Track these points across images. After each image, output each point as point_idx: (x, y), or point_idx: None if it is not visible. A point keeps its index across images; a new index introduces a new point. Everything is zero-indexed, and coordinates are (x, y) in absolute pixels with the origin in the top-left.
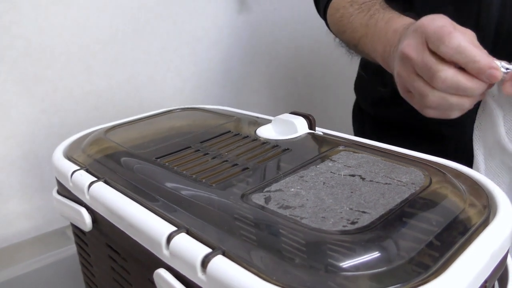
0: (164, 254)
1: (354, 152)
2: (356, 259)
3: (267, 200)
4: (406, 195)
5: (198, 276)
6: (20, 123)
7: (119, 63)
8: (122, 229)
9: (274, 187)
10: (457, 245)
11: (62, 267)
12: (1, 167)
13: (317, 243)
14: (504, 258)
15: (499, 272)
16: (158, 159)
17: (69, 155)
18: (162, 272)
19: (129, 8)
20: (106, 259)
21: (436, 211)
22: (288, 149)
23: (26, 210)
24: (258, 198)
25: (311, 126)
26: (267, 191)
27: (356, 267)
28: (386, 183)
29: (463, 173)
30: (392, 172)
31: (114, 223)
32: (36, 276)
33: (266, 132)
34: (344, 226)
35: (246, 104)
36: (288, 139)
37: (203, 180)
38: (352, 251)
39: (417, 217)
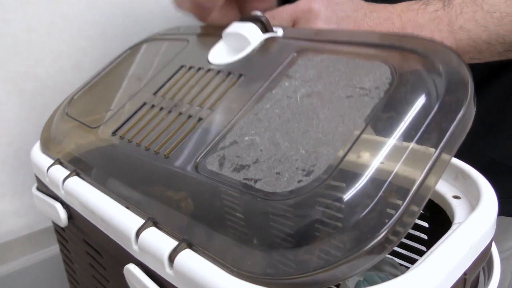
0: (133, 249)
1: (312, 56)
2: (312, 229)
3: (221, 162)
4: (369, 110)
5: (166, 271)
6: (11, 121)
7: (109, 60)
8: (95, 224)
9: (228, 138)
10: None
11: (53, 264)
12: None
13: (271, 216)
14: (487, 248)
15: (481, 263)
16: (115, 133)
17: (43, 147)
18: (131, 267)
19: (119, 3)
20: (84, 256)
21: (408, 122)
22: (241, 75)
23: (18, 208)
24: (212, 163)
25: (265, 28)
26: (221, 148)
27: (313, 238)
28: (347, 96)
29: (436, 45)
30: (354, 76)
31: (87, 218)
32: (28, 274)
33: (218, 55)
34: (299, 182)
35: None
36: (242, 58)
37: (160, 152)
38: (304, 220)
39: (382, 146)
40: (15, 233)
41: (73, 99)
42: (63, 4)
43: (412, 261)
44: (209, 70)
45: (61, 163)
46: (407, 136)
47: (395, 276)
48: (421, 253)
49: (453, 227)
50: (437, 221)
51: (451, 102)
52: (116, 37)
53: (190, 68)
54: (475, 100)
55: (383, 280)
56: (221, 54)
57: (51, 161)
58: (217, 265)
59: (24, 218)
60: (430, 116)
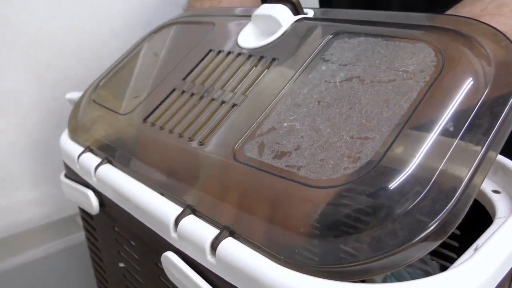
0: (172, 237)
1: (348, 38)
2: (361, 217)
3: (261, 149)
4: (414, 95)
5: (207, 259)
6: (31, 110)
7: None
8: (129, 211)
9: (266, 125)
10: None
11: (71, 253)
12: (12, 155)
13: (317, 204)
14: None
15: None
16: (146, 120)
17: (72, 135)
18: (169, 255)
19: None
20: (114, 243)
21: (453, 111)
22: (275, 59)
23: (37, 198)
24: (250, 150)
25: (296, 10)
26: (259, 135)
27: (365, 226)
28: (390, 80)
29: (481, 26)
30: (395, 58)
31: (121, 206)
32: (46, 262)
33: (248, 38)
34: (345, 169)
35: None
36: (273, 41)
37: (194, 138)
38: (352, 208)
39: (432, 128)
40: (34, 222)
41: (98, 85)
42: None
43: (442, 256)
44: (239, 54)
45: (91, 151)
46: (457, 125)
47: (425, 271)
48: (452, 248)
49: (498, 221)
50: (473, 215)
51: (500, 89)
52: (137, 29)
53: (219, 52)
54: None
55: (411, 275)
56: (250, 37)
57: (81, 149)
58: (261, 253)
59: (43, 208)
60: (479, 104)
